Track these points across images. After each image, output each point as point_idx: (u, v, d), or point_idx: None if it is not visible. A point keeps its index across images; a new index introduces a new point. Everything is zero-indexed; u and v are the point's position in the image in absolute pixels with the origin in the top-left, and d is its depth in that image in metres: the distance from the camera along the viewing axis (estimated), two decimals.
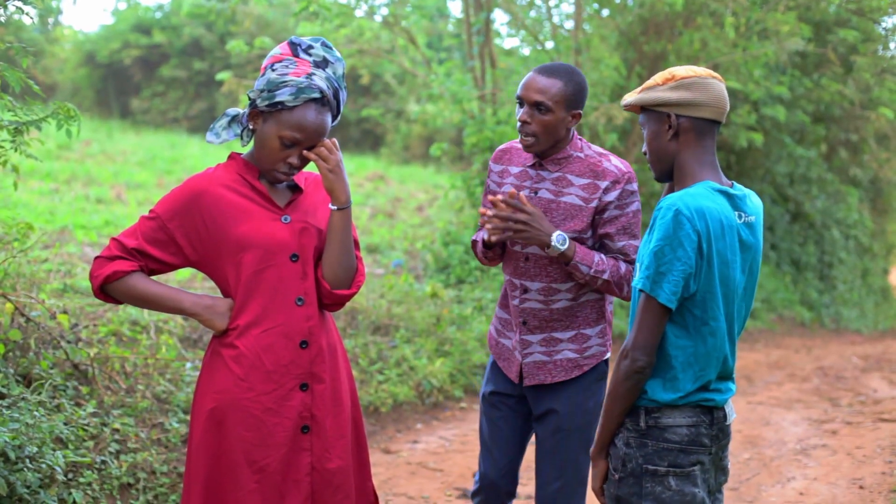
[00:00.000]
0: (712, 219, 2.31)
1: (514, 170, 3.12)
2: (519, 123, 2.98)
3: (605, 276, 2.93)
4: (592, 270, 2.92)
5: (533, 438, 3.25)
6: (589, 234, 3.02)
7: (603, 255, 2.97)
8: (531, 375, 3.10)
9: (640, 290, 2.33)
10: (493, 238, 2.93)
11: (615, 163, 3.01)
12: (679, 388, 2.35)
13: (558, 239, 2.89)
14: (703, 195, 2.33)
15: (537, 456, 3.15)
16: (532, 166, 3.08)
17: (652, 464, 2.36)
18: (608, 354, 3.14)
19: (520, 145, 3.10)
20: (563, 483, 3.07)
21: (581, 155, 3.03)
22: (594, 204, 2.98)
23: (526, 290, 3.07)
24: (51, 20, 21.87)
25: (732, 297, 2.38)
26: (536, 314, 3.08)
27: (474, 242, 3.19)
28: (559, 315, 3.06)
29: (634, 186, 3.01)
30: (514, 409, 3.18)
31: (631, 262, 2.98)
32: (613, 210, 2.98)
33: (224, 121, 2.67)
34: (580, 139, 3.08)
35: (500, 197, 2.90)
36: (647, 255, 2.33)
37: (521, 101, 2.98)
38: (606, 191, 2.97)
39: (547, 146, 3.00)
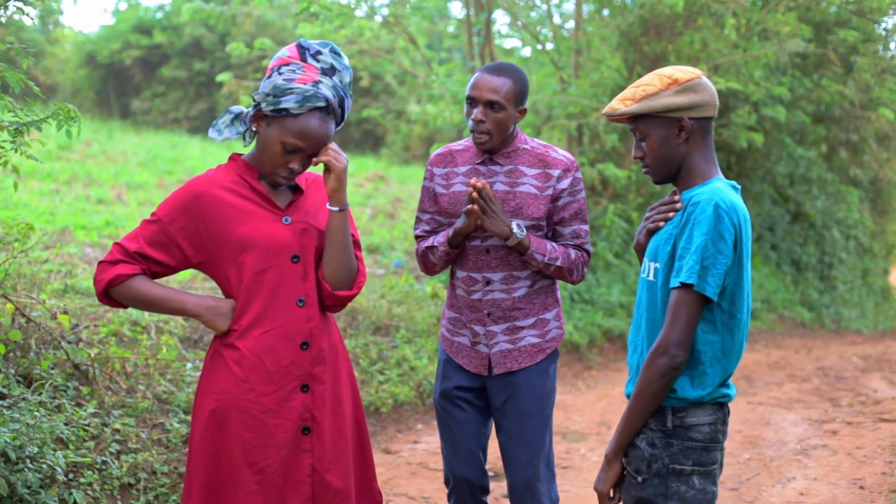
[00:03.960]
0: (741, 213, 2.37)
1: (461, 169, 3.24)
2: (472, 123, 3.11)
3: (559, 263, 3.14)
4: (546, 258, 3.12)
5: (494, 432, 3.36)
6: (545, 222, 3.18)
7: (554, 244, 3.16)
8: (499, 364, 3.22)
9: (683, 285, 2.30)
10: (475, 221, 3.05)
11: (562, 153, 3.21)
12: (707, 384, 2.36)
13: (518, 228, 3.06)
14: (728, 190, 2.39)
15: (504, 445, 3.25)
16: (482, 163, 3.21)
17: (678, 463, 2.36)
18: (563, 335, 3.32)
19: (458, 147, 3.28)
20: (535, 467, 3.18)
21: (528, 147, 3.21)
22: (549, 192, 3.16)
23: (489, 282, 3.20)
24: (51, 21, 21.91)
25: (749, 290, 2.42)
26: (500, 304, 3.20)
27: (431, 249, 3.23)
28: (520, 303, 3.20)
29: (580, 174, 3.23)
30: (474, 404, 3.29)
31: (580, 247, 3.20)
32: (567, 197, 3.18)
33: (227, 118, 2.66)
34: (520, 132, 3.24)
35: (480, 183, 3.03)
36: (692, 250, 2.31)
37: (473, 101, 3.11)
38: (559, 179, 3.16)
39: (499, 142, 3.15)
